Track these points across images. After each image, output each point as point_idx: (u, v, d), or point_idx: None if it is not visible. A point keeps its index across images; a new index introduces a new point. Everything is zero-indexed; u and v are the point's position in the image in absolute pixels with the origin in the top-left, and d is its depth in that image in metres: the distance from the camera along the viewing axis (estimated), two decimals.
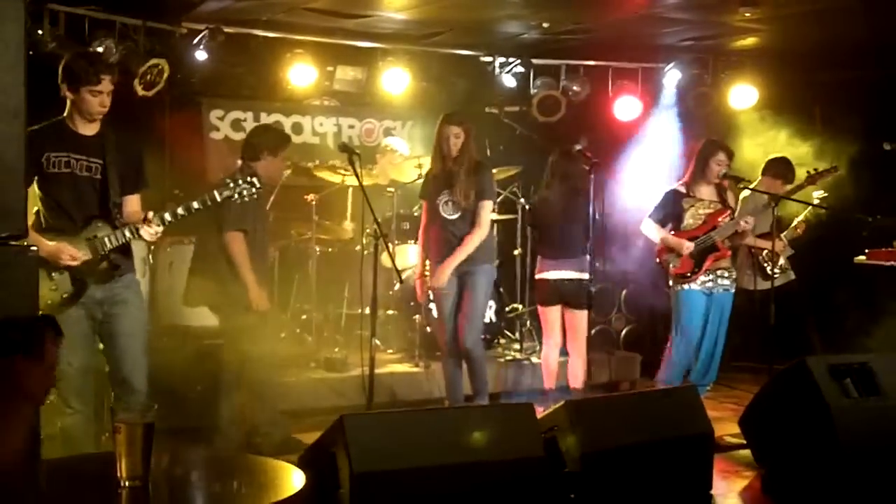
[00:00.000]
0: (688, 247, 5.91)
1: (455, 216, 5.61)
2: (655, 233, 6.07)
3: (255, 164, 5.15)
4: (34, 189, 4.09)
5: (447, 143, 5.62)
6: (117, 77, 4.24)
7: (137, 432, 2.15)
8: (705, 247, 5.92)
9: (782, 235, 6.50)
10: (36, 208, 4.13)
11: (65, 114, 4.22)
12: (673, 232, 6.03)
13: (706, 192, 6.03)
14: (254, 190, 4.43)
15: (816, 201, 6.48)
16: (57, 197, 4.12)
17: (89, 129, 4.24)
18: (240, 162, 5.29)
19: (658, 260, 6.13)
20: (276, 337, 5.62)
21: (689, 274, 5.95)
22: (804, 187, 6.29)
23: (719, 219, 5.96)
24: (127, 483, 2.08)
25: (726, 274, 6.01)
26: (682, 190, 6.05)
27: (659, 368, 6.15)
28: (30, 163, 3.87)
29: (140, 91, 6.59)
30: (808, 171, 6.29)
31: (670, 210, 6.04)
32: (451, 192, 5.60)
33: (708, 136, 6.23)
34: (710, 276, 5.97)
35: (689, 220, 6.00)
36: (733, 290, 6.07)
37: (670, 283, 6.09)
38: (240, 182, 4.40)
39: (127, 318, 4.26)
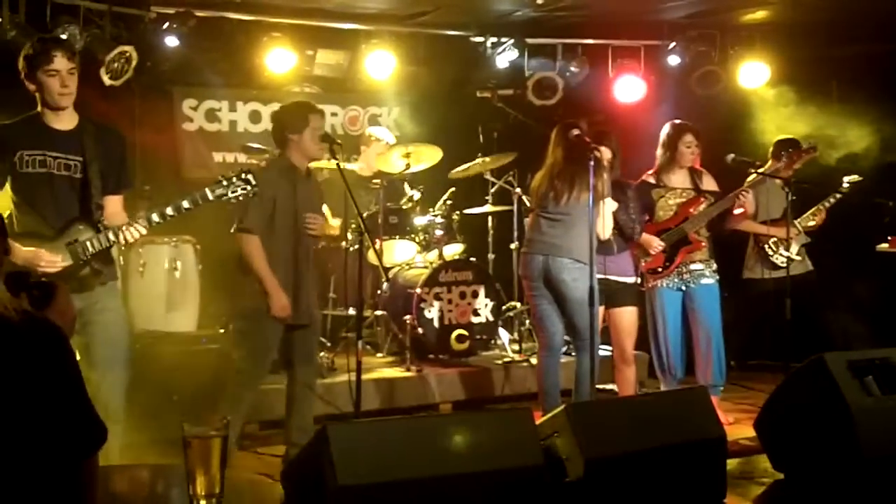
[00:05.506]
0: (656, 246, 5.72)
1: None
2: None
3: (288, 151, 4.86)
4: (6, 191, 3.86)
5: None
6: (77, 58, 3.97)
7: (212, 447, 2.07)
8: (677, 240, 5.72)
9: (796, 222, 6.18)
10: (8, 212, 3.86)
11: (38, 109, 3.97)
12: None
13: (678, 179, 5.86)
14: (248, 188, 4.19)
15: (846, 185, 6.20)
16: (31, 199, 3.88)
17: (65, 123, 3.97)
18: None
19: (630, 256, 5.87)
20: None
21: (660, 269, 5.80)
22: (781, 169, 6.00)
23: (692, 209, 5.76)
24: (203, 501, 2.05)
25: (701, 267, 5.79)
26: (651, 180, 5.88)
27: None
28: (0, 162, 3.77)
29: (107, 80, 6.35)
30: (784, 152, 6.07)
31: (640, 203, 5.79)
32: None
33: (672, 120, 6.00)
34: (685, 271, 5.78)
35: (660, 213, 5.82)
36: (715, 283, 5.82)
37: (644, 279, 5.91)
38: (233, 180, 4.16)
39: (106, 327, 4.00)
